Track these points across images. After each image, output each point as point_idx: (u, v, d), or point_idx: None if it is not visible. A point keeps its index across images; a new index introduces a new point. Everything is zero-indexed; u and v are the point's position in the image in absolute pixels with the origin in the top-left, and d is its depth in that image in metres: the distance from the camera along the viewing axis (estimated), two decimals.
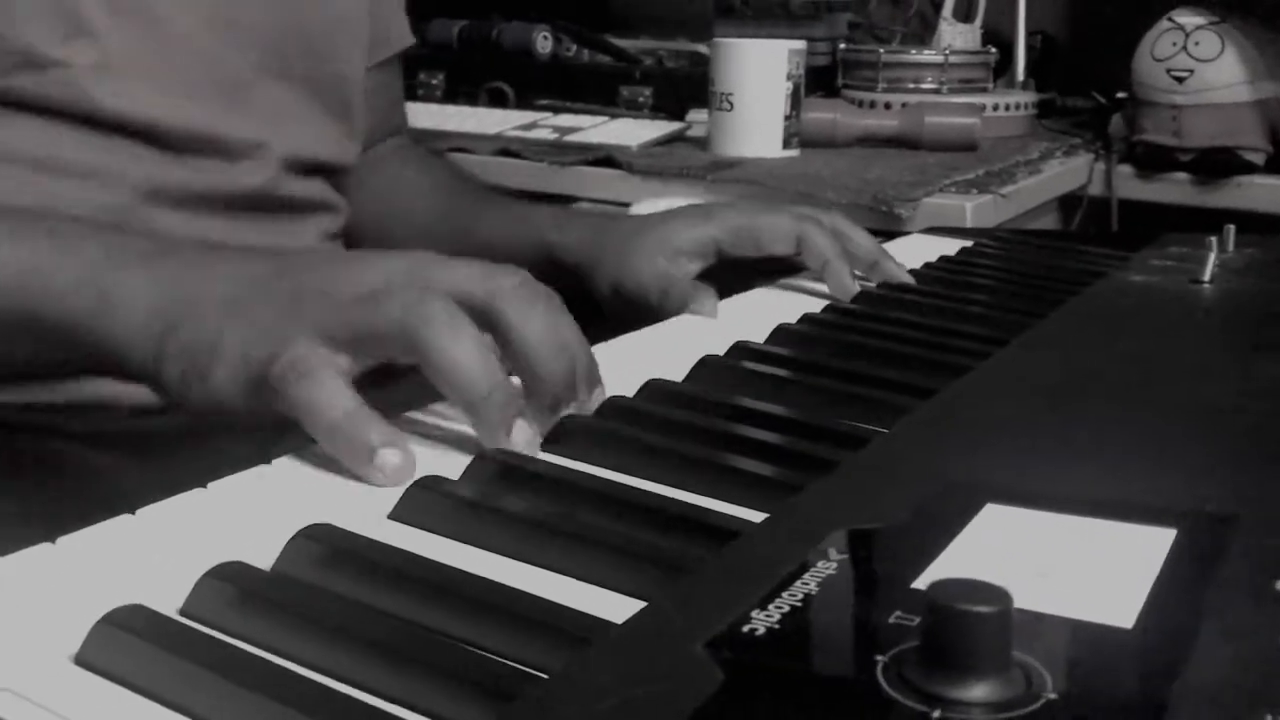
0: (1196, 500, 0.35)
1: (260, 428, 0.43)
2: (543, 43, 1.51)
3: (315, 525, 0.35)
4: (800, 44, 1.16)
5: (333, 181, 0.77)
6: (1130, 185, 1.29)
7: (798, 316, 0.62)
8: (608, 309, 0.73)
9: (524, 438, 0.42)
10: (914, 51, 1.38)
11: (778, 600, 0.29)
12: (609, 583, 0.33)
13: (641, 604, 0.31)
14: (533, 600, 0.31)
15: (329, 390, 0.40)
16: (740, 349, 0.55)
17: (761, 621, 0.28)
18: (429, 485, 0.38)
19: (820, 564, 0.31)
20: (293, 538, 0.34)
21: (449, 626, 0.31)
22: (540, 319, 0.43)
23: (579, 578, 0.34)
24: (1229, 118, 1.22)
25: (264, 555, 0.34)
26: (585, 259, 0.74)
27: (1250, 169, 1.24)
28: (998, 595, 0.24)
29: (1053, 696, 0.24)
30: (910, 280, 0.71)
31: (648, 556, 0.34)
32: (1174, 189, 1.27)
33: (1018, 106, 1.36)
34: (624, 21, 1.66)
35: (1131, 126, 1.31)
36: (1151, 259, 0.73)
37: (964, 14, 1.52)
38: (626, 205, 1.06)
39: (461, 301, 0.42)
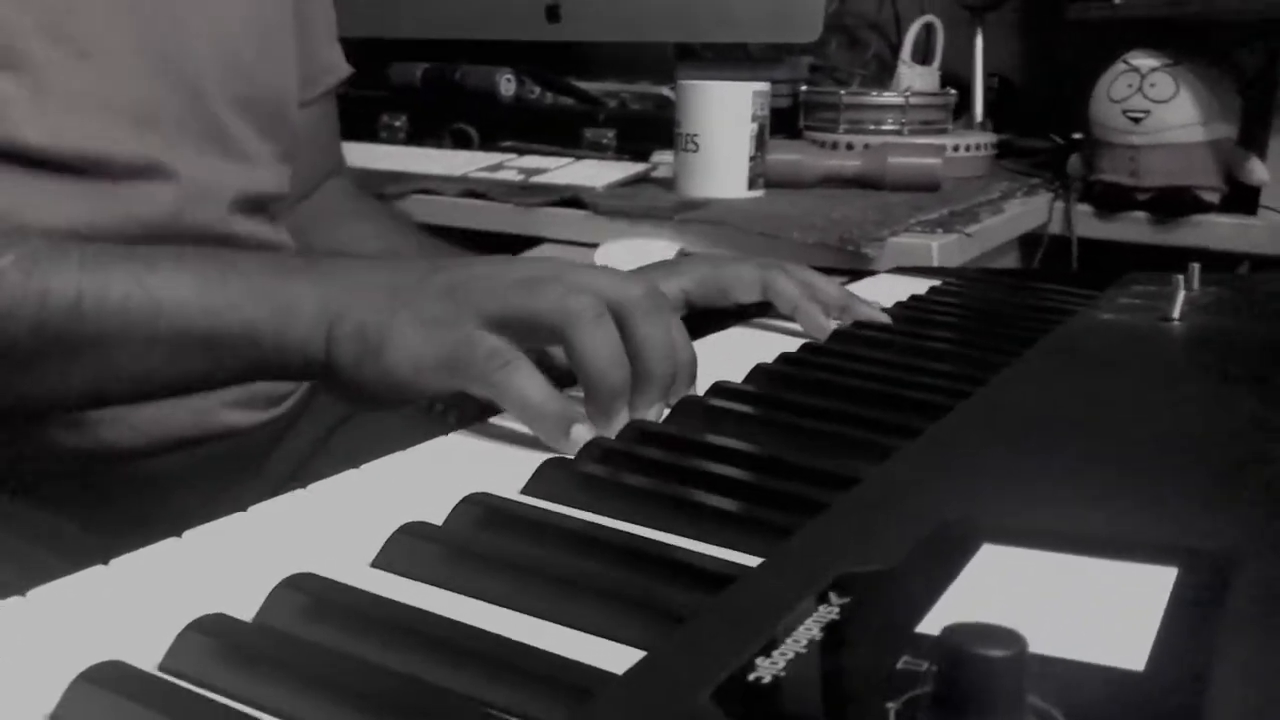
0: (1192, 537, 0.34)
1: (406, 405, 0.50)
2: (506, 85, 1.51)
3: (298, 575, 0.34)
4: (764, 85, 1.17)
5: (273, 216, 0.75)
6: (1089, 224, 1.31)
7: (773, 356, 0.62)
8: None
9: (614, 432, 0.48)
10: (874, 93, 1.39)
11: (782, 647, 0.28)
12: (606, 631, 0.33)
13: (640, 653, 0.30)
14: (529, 651, 0.30)
15: (528, 377, 0.46)
16: (719, 389, 0.55)
17: (767, 669, 0.27)
18: (412, 531, 0.37)
19: (822, 609, 0.30)
20: (275, 588, 0.33)
21: (442, 679, 0.30)
22: (660, 327, 0.49)
23: (574, 626, 0.33)
24: (1185, 158, 1.24)
25: (245, 606, 0.33)
26: None
27: (1206, 208, 1.26)
28: (1011, 638, 0.24)
29: None
30: (884, 317, 0.71)
31: (643, 603, 0.33)
32: (1132, 228, 1.29)
33: (978, 147, 1.37)
34: (587, 65, 1.66)
35: (1089, 166, 1.33)
36: (1119, 298, 0.74)
37: (922, 56, 1.54)
38: (593, 246, 1.06)
39: (605, 300, 0.48)
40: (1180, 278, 0.72)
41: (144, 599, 0.34)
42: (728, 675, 0.27)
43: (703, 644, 0.29)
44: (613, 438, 0.48)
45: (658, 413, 0.51)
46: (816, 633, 0.29)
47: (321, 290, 0.51)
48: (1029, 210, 1.27)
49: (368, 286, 0.50)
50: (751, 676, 0.27)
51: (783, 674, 0.27)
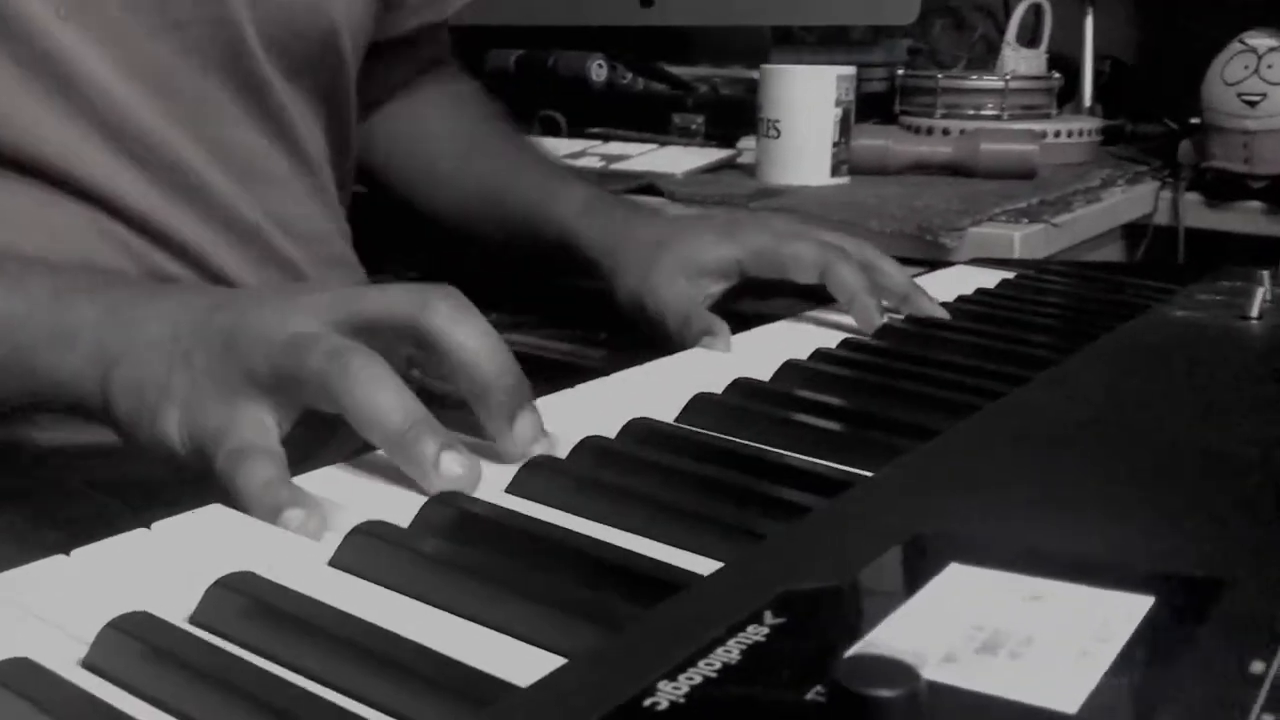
0: (1189, 564, 0.31)
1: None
2: (597, 71, 1.50)
3: (234, 574, 0.33)
4: (850, 70, 1.13)
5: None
6: (1199, 214, 1.24)
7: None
8: (623, 313, 0.71)
9: (456, 472, 0.40)
10: (973, 77, 1.34)
11: (691, 670, 0.26)
12: (541, 640, 0.31)
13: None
14: (443, 661, 0.29)
15: (246, 466, 0.40)
16: (739, 386, 0.52)
17: (666, 695, 0.25)
18: (369, 530, 0.36)
19: (751, 628, 0.28)
20: (210, 587, 0.33)
21: (355, 686, 0.29)
22: (470, 325, 0.42)
23: (511, 633, 0.32)
24: None
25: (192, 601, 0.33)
26: (605, 259, 0.72)
27: None
28: (905, 675, 0.22)
29: None
30: (943, 315, 0.68)
31: (583, 613, 0.31)
32: (1245, 218, 1.22)
33: (1081, 133, 1.31)
34: (683, 50, 1.64)
35: (1201, 153, 1.26)
36: (1200, 293, 0.69)
37: (1029, 38, 1.48)
38: None
39: (390, 322, 0.42)
40: (1266, 273, 0.67)
41: (100, 591, 0.34)
42: (622, 700, 0.25)
43: (615, 661, 0.27)
44: (435, 489, 0.40)
45: (533, 429, 0.43)
46: (736, 655, 0.27)
47: (102, 320, 0.46)
48: (1132, 199, 1.21)
49: (148, 326, 0.45)
50: (648, 702, 0.25)
51: (681, 701, 0.25)
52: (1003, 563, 0.31)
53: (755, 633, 0.28)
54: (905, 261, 0.98)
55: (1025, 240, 0.95)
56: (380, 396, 0.40)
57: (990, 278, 0.81)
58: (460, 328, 0.42)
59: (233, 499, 0.40)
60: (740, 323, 0.68)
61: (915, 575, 0.31)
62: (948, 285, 0.78)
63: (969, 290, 0.77)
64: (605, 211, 0.75)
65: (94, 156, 0.59)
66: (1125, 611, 0.28)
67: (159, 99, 0.61)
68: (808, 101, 1.11)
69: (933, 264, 0.94)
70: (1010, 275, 0.82)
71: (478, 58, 1.61)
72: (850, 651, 0.27)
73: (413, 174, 0.85)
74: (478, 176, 0.82)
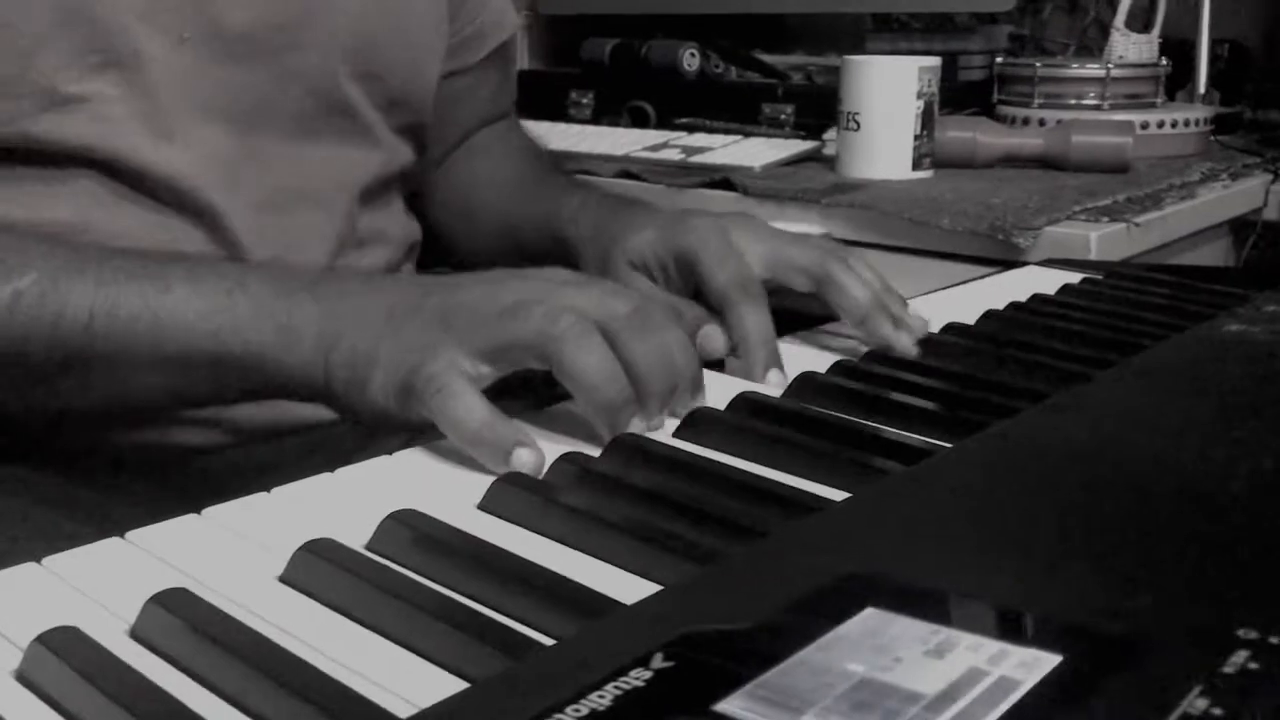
0: (1122, 619, 0.30)
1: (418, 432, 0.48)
2: (689, 60, 1.49)
3: (169, 590, 0.34)
4: (933, 61, 1.10)
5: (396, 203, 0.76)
6: None
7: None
8: None
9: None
10: (1074, 65, 1.29)
11: (558, 716, 0.26)
12: (450, 665, 0.31)
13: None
14: (333, 689, 0.29)
15: (465, 402, 0.45)
16: (743, 401, 0.52)
17: None
18: (314, 549, 0.37)
19: (635, 672, 0.28)
20: (146, 603, 0.33)
21: (253, 708, 0.29)
22: (650, 343, 0.47)
23: (427, 657, 0.32)
24: None
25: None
26: (583, 257, 0.70)
27: None
28: None
29: None
30: (908, 349, 0.59)
31: (490, 639, 0.31)
32: None
33: (1187, 123, 1.25)
34: (781, 38, 1.62)
35: None
36: (1268, 304, 0.66)
37: (1142, 23, 1.42)
38: None
39: (520, 348, 0.47)
40: None
41: (57, 601, 0.35)
42: None
43: (490, 700, 0.27)
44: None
45: (659, 424, 0.49)
46: (608, 702, 0.27)
47: (323, 310, 0.51)
48: (1239, 194, 1.15)
49: (365, 309, 0.50)
50: None
51: None
52: (921, 610, 0.30)
53: (637, 678, 0.27)
54: (977, 261, 0.96)
55: (1102, 240, 0.91)
56: (592, 365, 0.45)
57: (1060, 280, 0.78)
58: (639, 339, 0.47)
59: (444, 431, 0.45)
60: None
61: (827, 618, 0.30)
62: (1012, 288, 0.75)
63: (1030, 294, 0.74)
64: (594, 211, 0.72)
65: (194, 171, 0.61)
66: (1025, 671, 0.27)
67: (256, 115, 0.64)
68: (888, 93, 1.09)
69: (1007, 264, 0.91)
70: (1076, 279, 0.78)
71: (573, 47, 1.62)
72: (722, 703, 0.26)
73: (457, 225, 0.86)
74: (512, 221, 0.82)
